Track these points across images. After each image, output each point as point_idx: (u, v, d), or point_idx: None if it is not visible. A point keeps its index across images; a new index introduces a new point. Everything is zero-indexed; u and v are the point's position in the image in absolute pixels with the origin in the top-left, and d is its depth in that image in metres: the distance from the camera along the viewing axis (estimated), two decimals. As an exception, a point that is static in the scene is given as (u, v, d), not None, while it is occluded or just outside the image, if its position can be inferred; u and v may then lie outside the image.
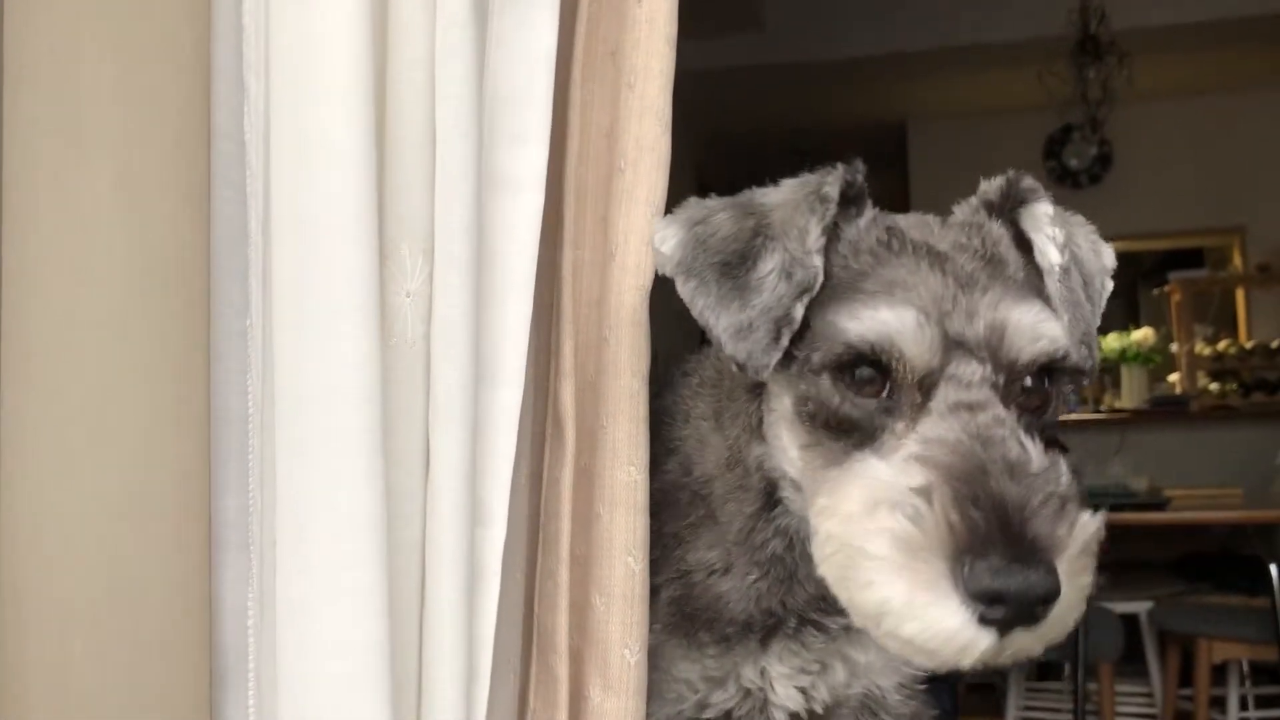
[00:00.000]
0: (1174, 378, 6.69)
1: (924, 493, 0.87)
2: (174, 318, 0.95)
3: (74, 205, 0.88)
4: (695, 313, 0.99)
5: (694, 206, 1.05)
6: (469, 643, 0.95)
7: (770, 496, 1.11)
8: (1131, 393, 6.46)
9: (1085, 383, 1.05)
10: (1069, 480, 0.92)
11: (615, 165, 1.12)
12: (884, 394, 0.95)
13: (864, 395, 0.95)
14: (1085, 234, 1.09)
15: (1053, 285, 1.03)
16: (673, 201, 1.11)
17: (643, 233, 1.10)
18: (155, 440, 0.93)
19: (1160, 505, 4.47)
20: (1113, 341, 6.59)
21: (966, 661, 0.85)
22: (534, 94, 1.00)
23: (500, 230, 0.99)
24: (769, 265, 0.98)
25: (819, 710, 1.19)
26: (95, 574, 0.89)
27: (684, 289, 1.00)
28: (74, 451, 0.89)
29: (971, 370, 0.94)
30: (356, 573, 0.88)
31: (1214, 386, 6.46)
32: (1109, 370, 6.70)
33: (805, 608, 1.14)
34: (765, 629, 1.15)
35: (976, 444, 0.90)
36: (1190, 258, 7.05)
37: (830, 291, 0.98)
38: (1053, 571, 0.83)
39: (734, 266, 0.99)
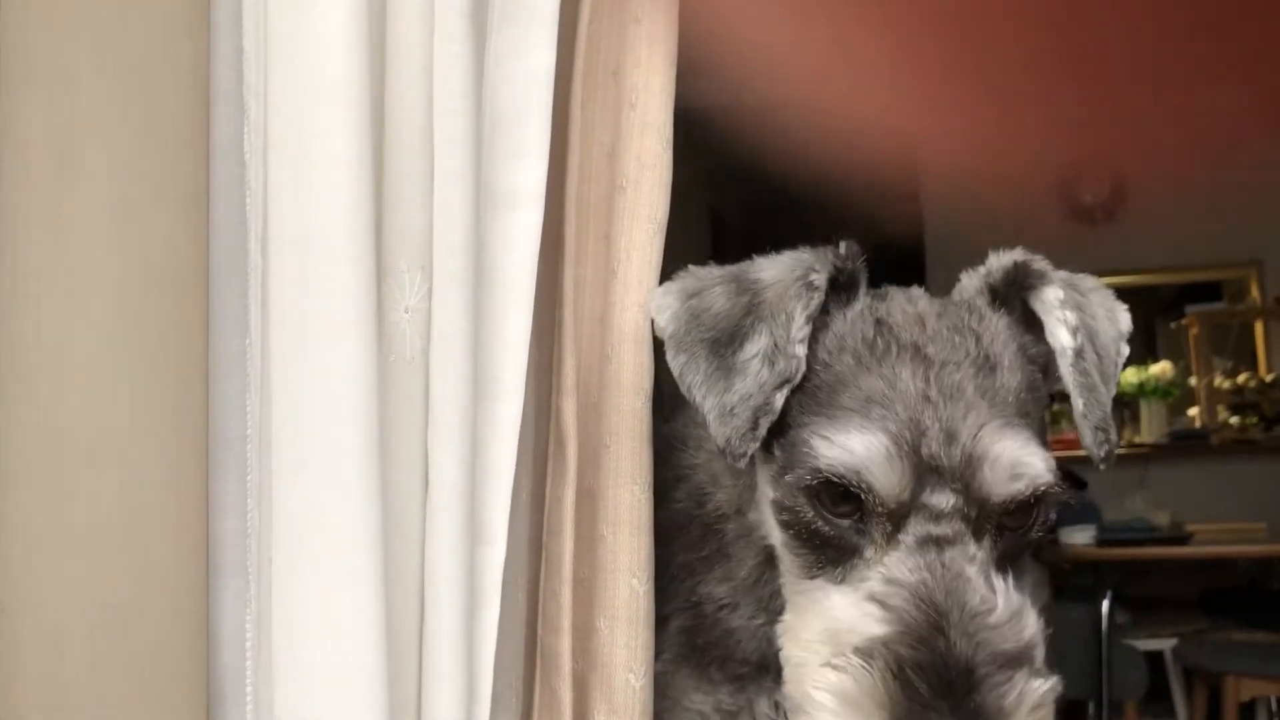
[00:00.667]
0: (1193, 411, 6.62)
1: (869, 653, 0.86)
2: (171, 337, 0.95)
3: (69, 225, 0.88)
4: (684, 389, 0.99)
5: (691, 277, 1.04)
6: (469, 664, 0.93)
7: (772, 556, 1.07)
8: (1151, 427, 6.40)
9: (1102, 467, 1.01)
10: (1033, 630, 0.90)
11: (617, 183, 1.12)
12: (857, 516, 0.93)
13: (839, 515, 0.94)
14: (1100, 299, 1.05)
15: (1065, 368, 1.00)
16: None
17: (645, 250, 1.10)
18: (152, 460, 0.93)
19: (1183, 540, 4.42)
20: (1131, 376, 6.54)
21: None
22: (533, 110, 1.00)
23: (500, 246, 0.99)
24: (755, 348, 0.97)
25: None
26: (91, 595, 0.87)
27: (674, 362, 1.00)
28: (70, 471, 0.88)
29: (944, 500, 0.91)
30: (354, 592, 0.86)
31: (1234, 420, 6.39)
32: (1128, 405, 6.64)
33: None
34: (780, 669, 1.12)
35: (938, 589, 0.88)
36: (1208, 291, 7.00)
37: (810, 395, 0.97)
38: None
39: (723, 345, 0.98)
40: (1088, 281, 1.06)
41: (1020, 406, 0.97)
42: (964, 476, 0.91)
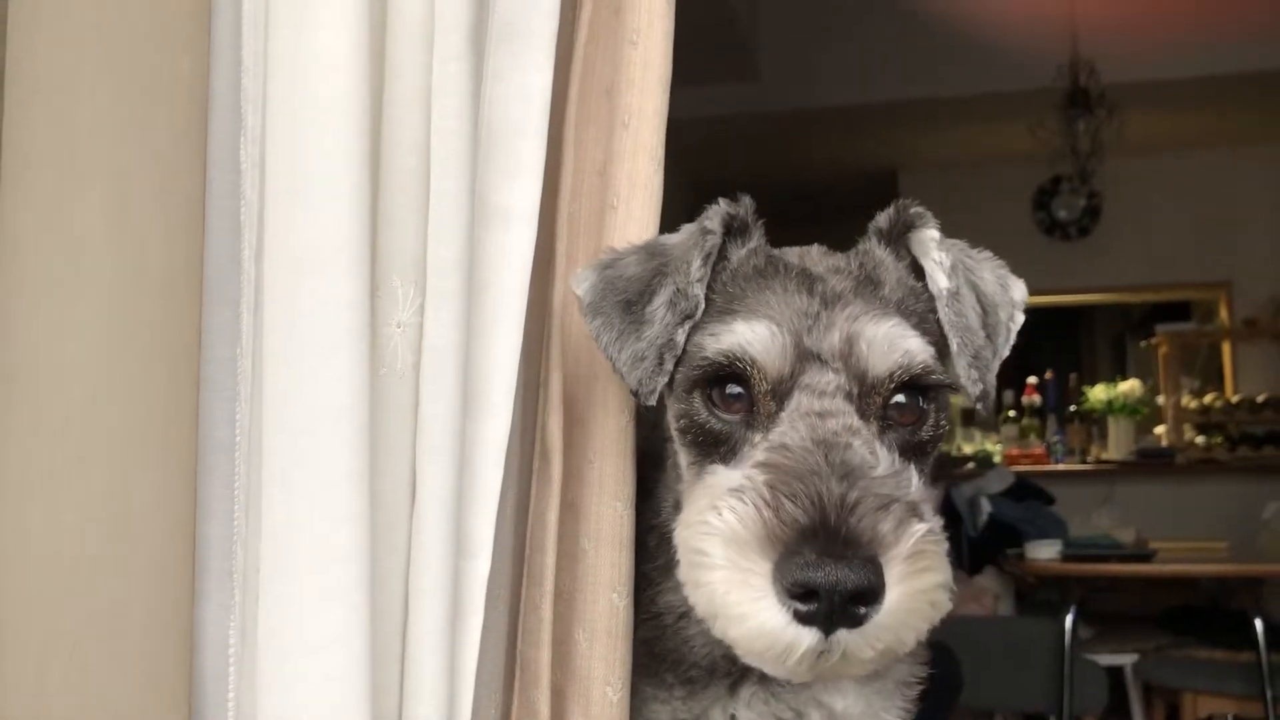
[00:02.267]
0: (1160, 430, 6.71)
1: (747, 493, 0.89)
2: (164, 344, 0.96)
3: (67, 231, 0.89)
4: (601, 349, 1.05)
5: (607, 253, 1.10)
6: (451, 675, 0.94)
7: None
8: (1118, 444, 6.48)
9: (980, 409, 1.07)
10: (917, 490, 0.94)
11: (608, 202, 1.13)
12: (747, 409, 0.99)
13: (730, 411, 1.00)
14: (992, 268, 1.12)
15: (940, 308, 1.06)
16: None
17: (634, 270, 1.11)
18: (141, 466, 0.93)
19: (1146, 557, 4.47)
20: (1100, 393, 6.62)
21: (792, 664, 0.85)
22: (529, 129, 1.01)
23: (492, 263, 1.00)
24: (661, 299, 1.04)
25: None
26: (75, 600, 0.88)
27: (591, 326, 1.05)
28: (58, 476, 0.88)
29: (825, 380, 0.97)
30: (339, 602, 0.87)
31: (1200, 439, 6.48)
32: (1096, 422, 6.72)
33: None
34: (731, 675, 1.14)
35: (818, 448, 0.92)
36: (1177, 311, 7.10)
37: (706, 317, 1.04)
38: (871, 568, 0.83)
39: (634, 304, 1.04)
40: (984, 253, 1.13)
41: (904, 312, 1.03)
42: (843, 356, 0.97)
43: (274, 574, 0.88)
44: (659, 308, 1.03)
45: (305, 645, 0.87)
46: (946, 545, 0.92)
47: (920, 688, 1.22)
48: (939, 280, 1.06)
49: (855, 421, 0.96)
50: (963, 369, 1.03)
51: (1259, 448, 6.22)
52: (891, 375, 0.98)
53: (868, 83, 5.88)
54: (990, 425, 7.19)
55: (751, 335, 0.98)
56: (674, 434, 1.06)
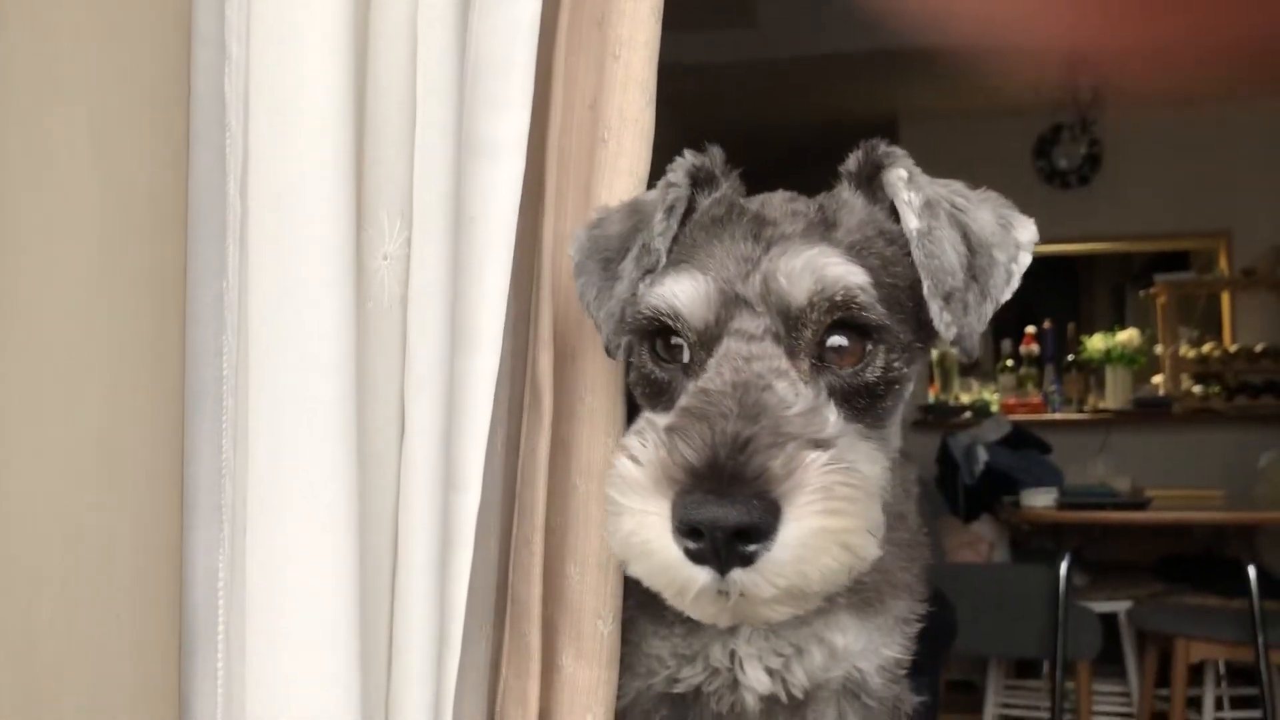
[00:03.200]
0: (1158, 379, 6.71)
1: (646, 435, 0.91)
2: (149, 278, 0.95)
3: (49, 166, 0.87)
4: (583, 306, 1.07)
5: (597, 212, 1.11)
6: (440, 608, 0.95)
7: None
8: (1115, 393, 6.48)
9: (959, 353, 1.04)
10: (832, 430, 0.93)
11: (599, 136, 1.12)
12: (684, 358, 1.01)
13: (672, 360, 1.02)
14: (994, 208, 1.08)
15: (913, 249, 1.04)
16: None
17: (624, 205, 1.10)
18: (128, 399, 0.93)
19: (1141, 505, 4.48)
20: (1098, 342, 6.62)
21: (693, 602, 0.87)
22: (516, 60, 1.00)
23: (479, 196, 0.99)
24: (628, 259, 1.05)
25: (797, 695, 1.18)
26: (64, 538, 0.88)
27: (578, 285, 1.07)
28: (44, 413, 0.88)
29: (754, 325, 0.97)
30: (328, 535, 0.87)
31: (1197, 389, 6.48)
32: (1094, 371, 6.72)
33: None
34: None
35: (735, 390, 0.92)
36: (1177, 260, 7.07)
37: (662, 270, 1.05)
38: (757, 505, 0.84)
39: (612, 261, 1.06)
40: (986, 194, 1.10)
41: (853, 251, 1.01)
42: (763, 296, 0.97)
43: (262, 508, 0.88)
44: (628, 264, 1.04)
45: (293, 578, 0.87)
46: (878, 488, 0.93)
47: (920, 625, 1.23)
48: (909, 220, 1.04)
49: (782, 364, 0.95)
50: (934, 311, 1.01)
51: (1256, 397, 6.23)
52: (811, 304, 0.96)
53: (868, 30, 5.81)
54: (988, 375, 7.19)
55: (677, 288, 0.99)
56: (634, 390, 1.08)
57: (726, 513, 0.83)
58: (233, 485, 0.95)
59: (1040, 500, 4.55)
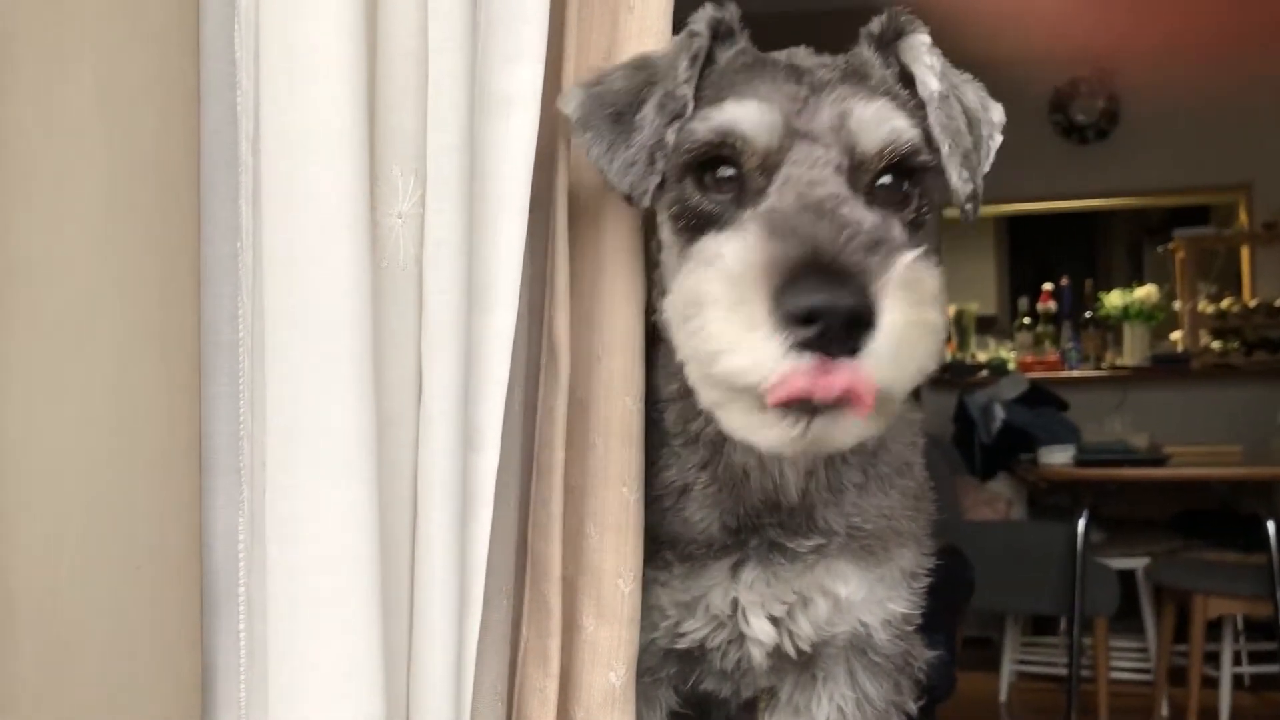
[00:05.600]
0: (1176, 335, 6.67)
1: (742, 235, 0.91)
2: (163, 239, 0.94)
3: (58, 124, 0.87)
4: (592, 160, 1.06)
5: (591, 73, 1.10)
6: (461, 569, 0.94)
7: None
8: (1133, 350, 6.44)
9: (970, 212, 1.08)
10: (901, 240, 0.94)
11: (613, 90, 1.10)
12: (737, 190, 1.01)
13: (720, 192, 1.01)
14: (974, 89, 1.13)
15: (931, 112, 1.07)
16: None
17: (640, 160, 1.08)
18: (144, 363, 0.92)
19: (1160, 462, 4.48)
20: (1116, 299, 6.57)
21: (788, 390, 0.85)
22: (529, 12, 0.98)
23: (494, 151, 0.98)
24: (648, 108, 1.04)
25: (805, 648, 1.18)
26: (84, 498, 0.88)
27: (582, 140, 1.06)
28: (61, 375, 0.87)
29: (815, 155, 0.98)
30: (347, 496, 0.87)
31: (1216, 344, 6.44)
32: (1112, 328, 6.68)
33: (762, 519, 1.13)
34: (730, 549, 1.14)
35: (807, 209, 0.92)
36: (1196, 215, 7.00)
37: (696, 111, 1.05)
38: (864, 293, 0.84)
39: (624, 114, 1.05)
40: (965, 75, 1.14)
41: (890, 96, 1.05)
42: (834, 130, 0.99)
43: (280, 468, 0.88)
44: (648, 113, 1.04)
45: (312, 539, 0.86)
46: (940, 287, 0.93)
47: (928, 580, 1.23)
48: (930, 83, 1.07)
49: (845, 191, 0.96)
50: (954, 169, 1.05)
51: (1275, 352, 6.17)
52: (881, 152, 1.00)
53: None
54: (1005, 333, 7.15)
55: (741, 112, 1.00)
56: (666, 229, 1.07)
57: (841, 296, 0.83)
58: (251, 446, 0.95)
59: (1058, 458, 4.55)
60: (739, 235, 0.91)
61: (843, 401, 0.84)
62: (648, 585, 1.15)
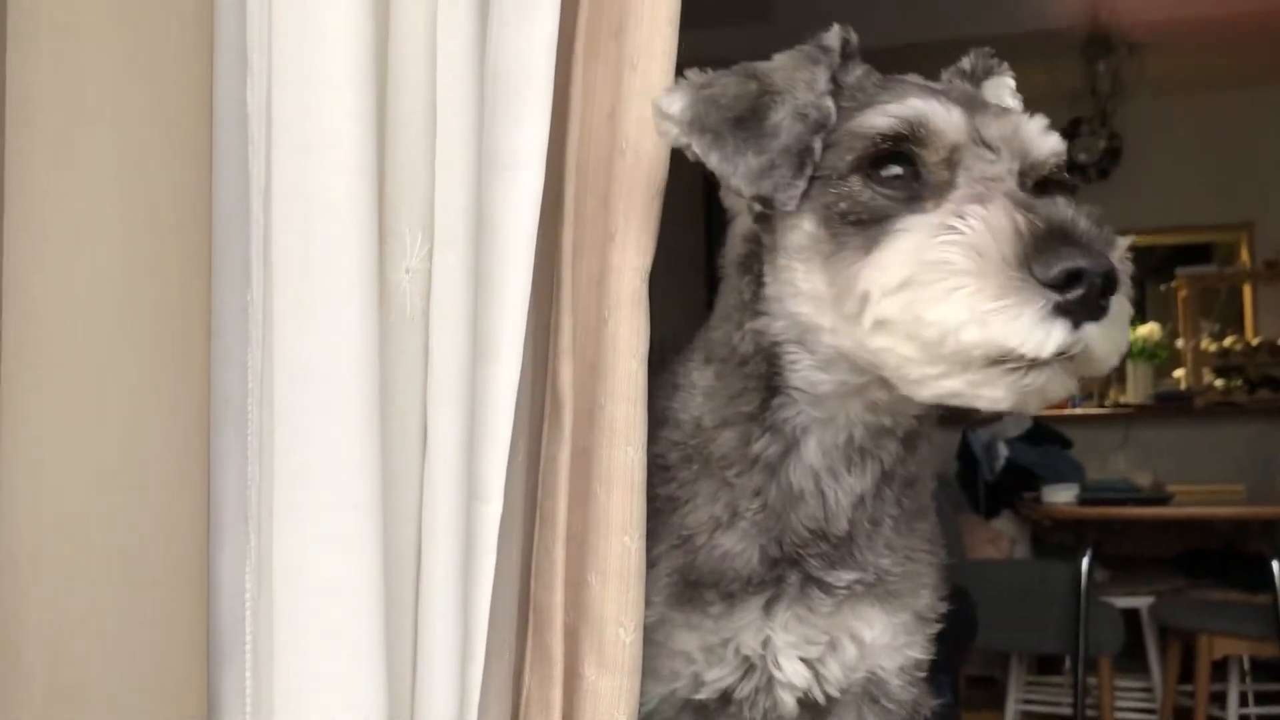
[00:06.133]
0: (1179, 373, 6.67)
1: (987, 206, 0.92)
2: (174, 291, 0.96)
3: (75, 178, 0.89)
4: (711, 164, 1.04)
5: (692, 76, 1.09)
6: (464, 618, 0.96)
7: (769, 384, 1.11)
8: (1136, 388, 6.45)
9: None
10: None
11: (617, 146, 1.12)
12: (908, 186, 1.00)
13: (891, 188, 1.01)
14: None
15: None
16: (676, 190, 1.12)
17: (643, 214, 1.11)
18: (154, 413, 0.94)
19: (1163, 500, 4.47)
20: (1119, 336, 6.57)
21: (1049, 348, 0.88)
22: (535, 75, 1.00)
23: (500, 209, 1.00)
24: (780, 115, 1.04)
25: (834, 694, 1.17)
26: (93, 545, 0.89)
27: (699, 144, 1.04)
28: (73, 423, 0.89)
29: (989, 157, 1.00)
30: (352, 546, 0.88)
31: (1219, 383, 6.44)
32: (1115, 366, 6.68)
33: (806, 548, 1.13)
34: (769, 585, 1.14)
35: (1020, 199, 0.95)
36: (1198, 253, 7.02)
37: (840, 119, 1.05)
38: (1111, 260, 0.89)
39: (746, 121, 1.04)
40: None
41: None
42: (1006, 140, 1.02)
43: (287, 521, 0.89)
44: (782, 122, 1.04)
45: (319, 588, 0.88)
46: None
47: (939, 626, 1.24)
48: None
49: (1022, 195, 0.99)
50: None
51: (1278, 390, 6.19)
52: (1046, 161, 1.05)
53: (882, 23, 5.77)
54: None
55: (927, 107, 1.01)
56: (810, 228, 1.05)
57: (1101, 259, 0.88)
58: (258, 496, 0.96)
59: (1061, 496, 4.54)
60: (983, 205, 0.93)
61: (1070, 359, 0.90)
62: (675, 632, 1.16)
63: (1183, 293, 6.71)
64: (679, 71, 1.12)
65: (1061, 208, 0.93)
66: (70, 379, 0.89)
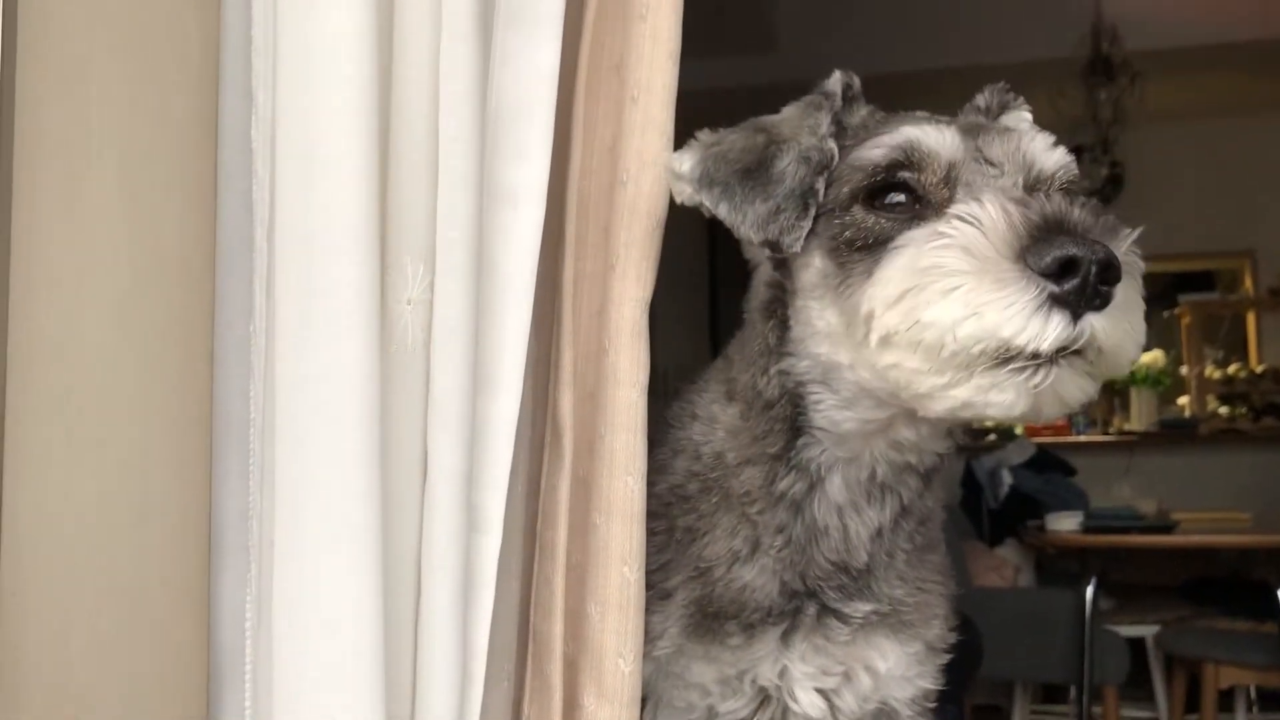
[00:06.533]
0: (1183, 400, 6.67)
1: (979, 208, 0.92)
2: (178, 321, 0.97)
3: (81, 211, 0.90)
4: (721, 215, 1.07)
5: (701, 135, 1.12)
6: (463, 649, 0.96)
7: (794, 425, 1.12)
8: (1140, 415, 6.45)
9: None
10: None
11: (618, 178, 1.13)
12: (910, 209, 1.01)
13: (895, 213, 1.02)
14: None
15: None
16: (677, 221, 1.13)
17: (643, 245, 1.12)
18: (157, 442, 0.95)
19: (1168, 528, 4.46)
20: (1122, 364, 6.57)
21: (1048, 339, 0.87)
22: (536, 110, 1.02)
23: (501, 242, 1.01)
24: (785, 161, 1.06)
25: None
26: (95, 573, 0.90)
27: (708, 198, 1.07)
28: (76, 452, 0.90)
29: (994, 173, 1.01)
30: (351, 576, 0.89)
31: (1224, 410, 6.44)
32: (1119, 393, 6.68)
33: (826, 580, 1.14)
34: (787, 615, 1.14)
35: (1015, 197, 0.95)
36: (1201, 280, 7.03)
37: (843, 156, 1.07)
38: (1109, 247, 0.87)
39: (753, 171, 1.07)
40: None
41: None
42: (1010, 156, 1.02)
43: (287, 550, 0.90)
44: (786, 168, 1.06)
45: (318, 620, 0.89)
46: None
47: (948, 656, 1.24)
48: None
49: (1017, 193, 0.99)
50: None
51: (1283, 417, 6.18)
52: (1055, 174, 1.04)
53: (886, 53, 5.83)
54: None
55: (919, 132, 1.03)
56: (819, 265, 1.07)
57: (1096, 247, 0.86)
58: (259, 526, 0.97)
59: (1065, 524, 4.53)
60: (976, 209, 0.93)
61: (1080, 353, 0.89)
62: (692, 664, 1.16)
63: (1186, 319, 6.71)
64: (681, 104, 1.14)
65: (1056, 201, 0.92)
66: (73, 407, 0.90)
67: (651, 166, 1.12)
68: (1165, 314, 7.10)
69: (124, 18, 0.93)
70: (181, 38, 0.97)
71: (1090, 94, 5.49)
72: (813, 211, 1.04)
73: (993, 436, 6.18)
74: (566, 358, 1.12)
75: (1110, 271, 0.87)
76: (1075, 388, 0.92)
